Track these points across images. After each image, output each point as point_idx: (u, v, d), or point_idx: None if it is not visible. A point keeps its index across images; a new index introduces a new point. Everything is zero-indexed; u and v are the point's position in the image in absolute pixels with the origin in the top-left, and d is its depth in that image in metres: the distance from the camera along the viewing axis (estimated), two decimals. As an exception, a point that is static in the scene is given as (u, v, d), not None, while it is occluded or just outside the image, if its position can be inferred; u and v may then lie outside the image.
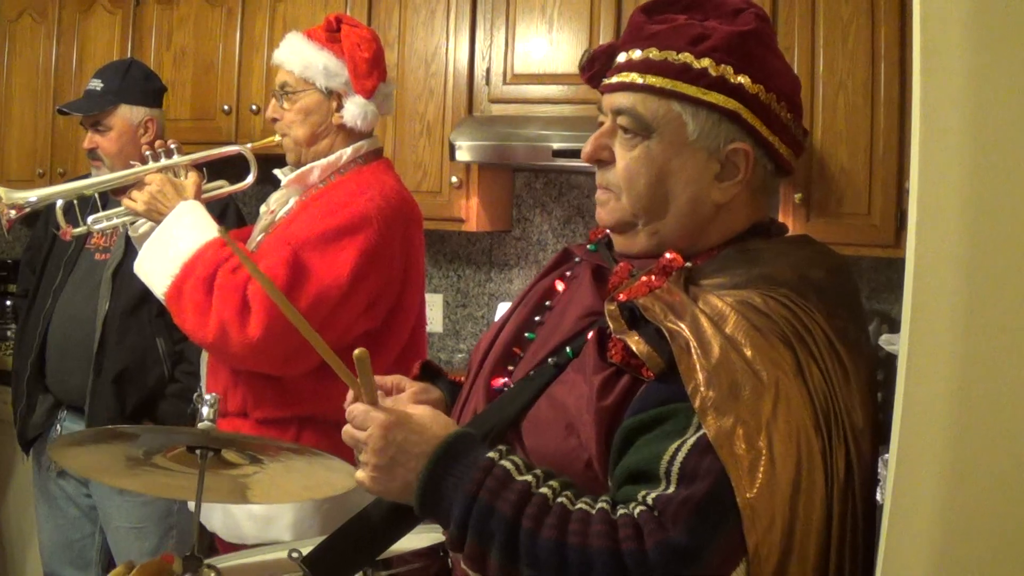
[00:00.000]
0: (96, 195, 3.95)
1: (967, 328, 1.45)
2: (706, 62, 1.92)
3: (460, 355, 5.20)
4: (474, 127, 4.46)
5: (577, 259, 2.27)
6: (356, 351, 1.91)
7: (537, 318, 2.20)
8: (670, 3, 2.03)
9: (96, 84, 4.40)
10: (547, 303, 2.22)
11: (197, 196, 3.46)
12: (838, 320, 1.86)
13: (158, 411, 4.20)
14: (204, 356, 3.59)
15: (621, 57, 2.03)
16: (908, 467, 1.56)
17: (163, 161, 3.53)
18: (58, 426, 4.41)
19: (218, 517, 3.37)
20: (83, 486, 4.44)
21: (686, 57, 1.92)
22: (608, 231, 2.11)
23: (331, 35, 3.48)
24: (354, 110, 3.43)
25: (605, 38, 4.22)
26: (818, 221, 3.84)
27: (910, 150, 3.37)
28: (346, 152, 3.47)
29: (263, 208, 3.59)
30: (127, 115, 4.41)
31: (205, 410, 2.26)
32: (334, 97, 3.46)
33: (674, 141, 1.93)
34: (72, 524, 4.54)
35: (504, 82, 4.56)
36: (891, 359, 3.32)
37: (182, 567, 2.13)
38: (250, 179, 3.70)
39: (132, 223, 3.57)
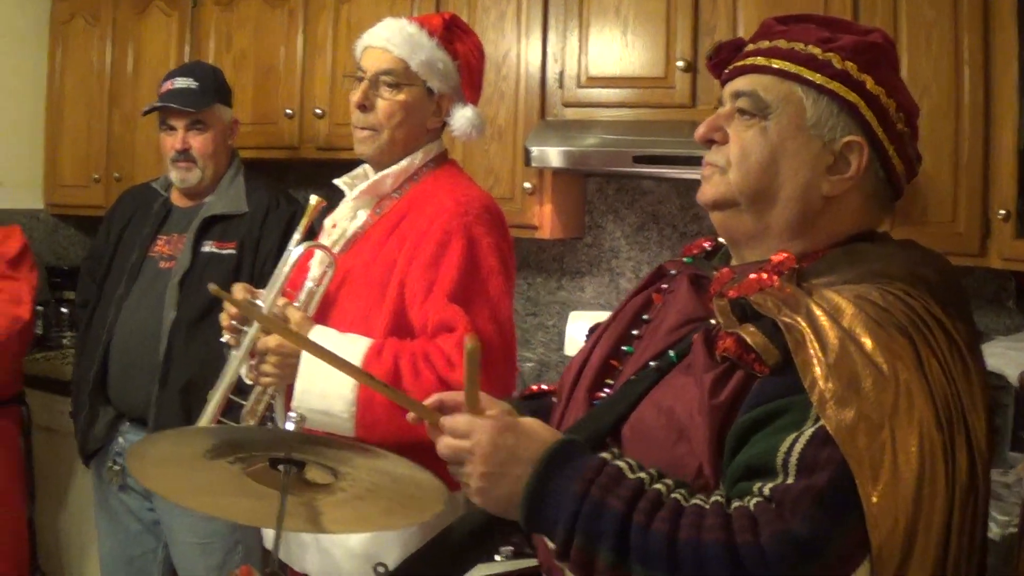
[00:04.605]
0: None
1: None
2: (831, 55, 2.02)
3: (530, 364, 5.26)
4: (548, 132, 4.51)
5: (673, 272, 2.32)
6: (468, 343, 1.92)
7: (635, 332, 2.26)
8: (803, 18, 2.14)
9: (187, 83, 4.51)
10: (644, 316, 2.28)
11: (310, 320, 3.25)
12: (953, 319, 1.90)
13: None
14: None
15: (748, 48, 2.15)
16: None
17: (253, 326, 3.24)
18: (120, 439, 4.51)
19: (312, 555, 3.29)
20: (146, 500, 4.53)
21: (813, 49, 2.03)
22: (708, 209, 2.15)
23: (446, 33, 3.38)
24: (465, 121, 3.40)
25: (682, 39, 4.31)
26: (903, 229, 3.78)
27: (995, 157, 3.48)
28: (418, 156, 3.40)
29: (327, 222, 3.52)
30: (222, 115, 4.59)
31: (290, 426, 2.30)
32: (435, 100, 3.39)
33: (791, 124, 2.03)
34: (133, 539, 4.63)
35: (578, 85, 4.60)
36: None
37: (262, 582, 2.03)
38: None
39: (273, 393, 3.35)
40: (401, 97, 3.33)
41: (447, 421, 2.00)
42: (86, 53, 6.37)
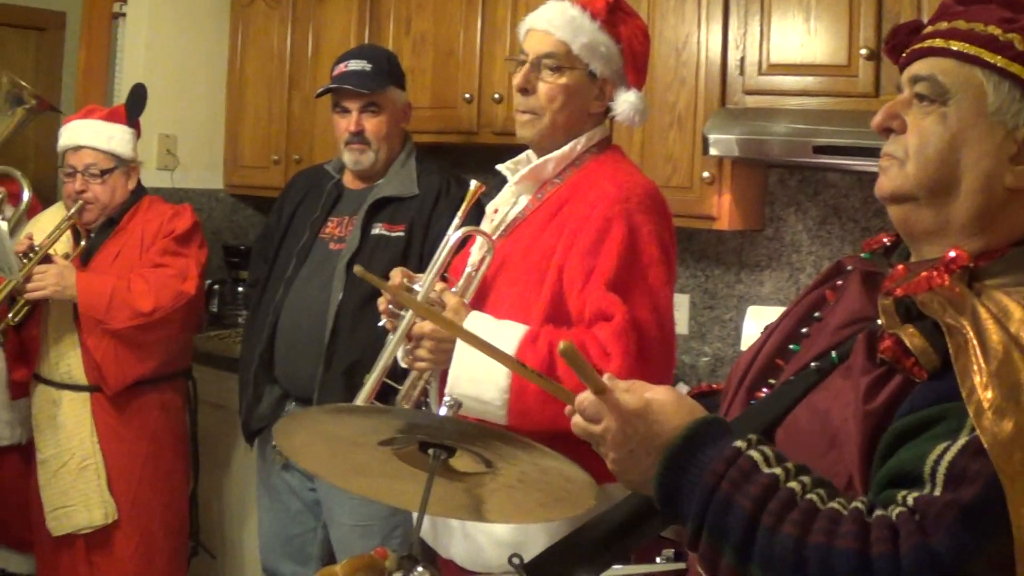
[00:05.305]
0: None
1: None
2: (1013, 36, 1.90)
3: (705, 359, 5.19)
4: (728, 119, 4.41)
5: (849, 268, 2.24)
6: (561, 345, 1.85)
7: (804, 329, 2.18)
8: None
9: (362, 65, 4.54)
10: (815, 314, 2.20)
11: (466, 305, 3.25)
12: None
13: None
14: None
15: (926, 30, 2.04)
16: None
17: (408, 310, 3.27)
18: (284, 418, 4.56)
19: (458, 543, 3.28)
20: (308, 480, 4.60)
21: (994, 30, 1.92)
22: (885, 203, 2.06)
23: (610, 16, 3.31)
24: (629, 107, 3.32)
25: (866, 27, 4.19)
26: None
27: None
28: (580, 141, 3.35)
29: (489, 207, 3.54)
30: (395, 98, 4.62)
31: (443, 410, 2.30)
32: (598, 84, 3.33)
33: (972, 111, 1.92)
34: (293, 518, 4.70)
35: (759, 72, 4.49)
36: None
37: (396, 564, 2.10)
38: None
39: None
40: (563, 80, 3.29)
41: (578, 401, 1.95)
42: (267, 36, 6.50)
